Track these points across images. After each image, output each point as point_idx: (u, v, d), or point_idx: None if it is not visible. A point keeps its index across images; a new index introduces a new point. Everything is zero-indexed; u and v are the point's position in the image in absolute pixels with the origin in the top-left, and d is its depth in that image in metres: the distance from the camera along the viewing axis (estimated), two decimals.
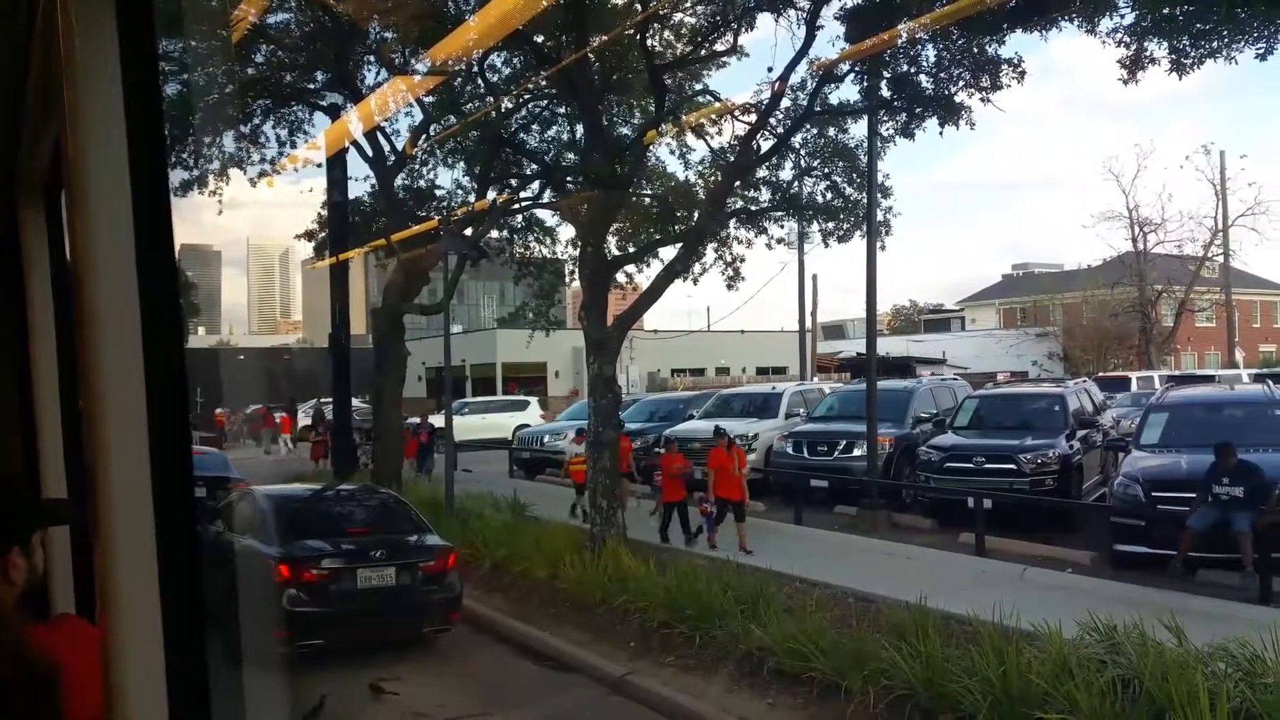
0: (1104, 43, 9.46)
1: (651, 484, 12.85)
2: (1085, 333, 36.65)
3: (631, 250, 15.17)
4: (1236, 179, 66.10)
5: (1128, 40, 9.38)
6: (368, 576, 7.30)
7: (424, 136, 16.15)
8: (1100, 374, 25.78)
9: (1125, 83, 9.49)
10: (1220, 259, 34.20)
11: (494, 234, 17.67)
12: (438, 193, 17.50)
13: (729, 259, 16.11)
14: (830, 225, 14.86)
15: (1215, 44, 8.95)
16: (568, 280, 20.32)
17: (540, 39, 12.24)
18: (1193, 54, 9.06)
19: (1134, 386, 21.93)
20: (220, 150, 15.52)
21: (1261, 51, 8.74)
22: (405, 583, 7.41)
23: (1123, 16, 9.34)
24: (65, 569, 2.10)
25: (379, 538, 7.78)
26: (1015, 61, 10.49)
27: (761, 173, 14.30)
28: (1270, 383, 11.99)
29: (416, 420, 19.52)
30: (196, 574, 1.06)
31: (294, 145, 16.26)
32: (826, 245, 15.28)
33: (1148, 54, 9.33)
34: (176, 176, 14.37)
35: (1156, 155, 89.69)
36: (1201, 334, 39.82)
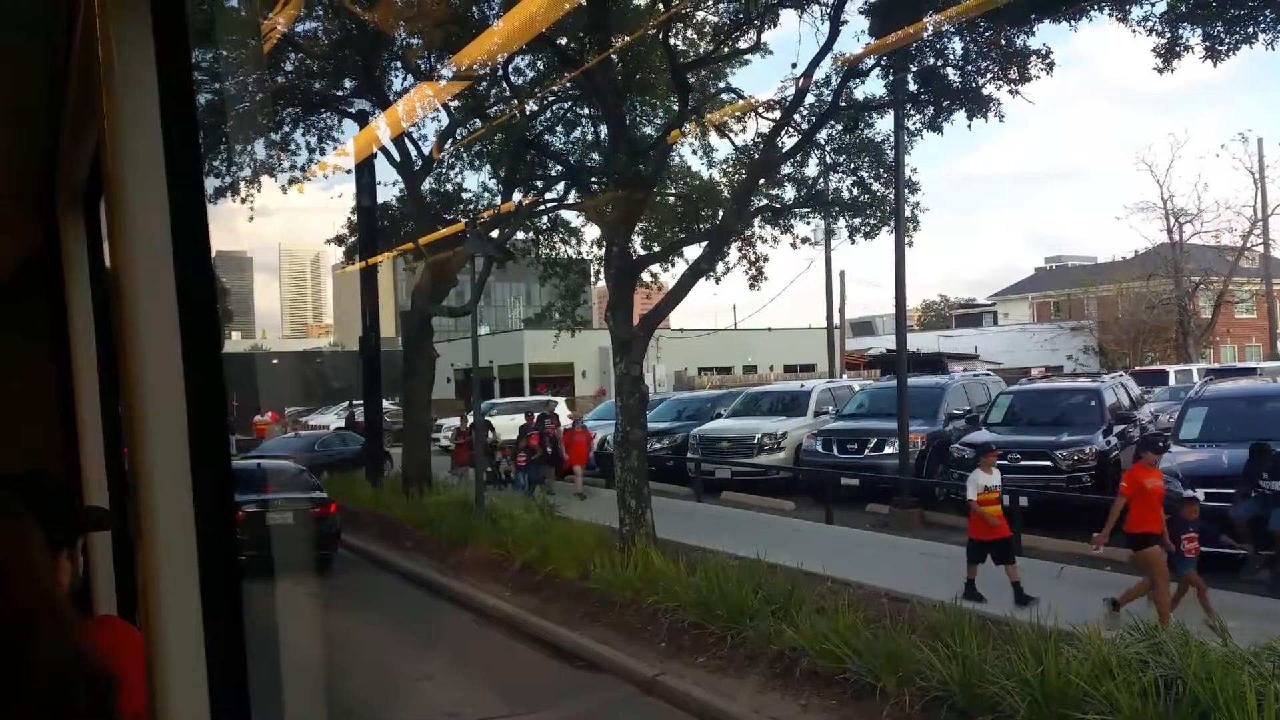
0: (1135, 32, 9.29)
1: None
2: (1121, 326, 35.91)
3: (656, 250, 15.16)
4: (1276, 167, 64.55)
5: (1160, 28, 9.19)
6: (273, 517, 10.63)
7: (450, 140, 16.29)
8: (1137, 368, 25.28)
9: (1160, 72, 9.29)
10: (1260, 249, 33.34)
11: (520, 235, 17.79)
12: (464, 196, 17.69)
13: (753, 258, 16.06)
14: (857, 221, 14.73)
15: (1251, 29, 8.73)
16: (593, 280, 20.38)
17: (563, 41, 12.28)
18: (1228, 40, 8.85)
19: (1172, 380, 21.49)
20: (252, 157, 15.81)
21: None
22: (300, 522, 10.74)
23: (1154, 3, 9.16)
24: (107, 571, 2.14)
25: (283, 493, 11.36)
26: (1044, 52, 10.33)
27: (786, 170, 14.21)
28: None
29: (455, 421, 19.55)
30: (237, 577, 1.07)
31: (323, 152, 16.53)
32: (853, 242, 15.14)
33: (1182, 42, 9.13)
34: (209, 184, 14.64)
35: (1191, 145, 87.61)
36: (1241, 326, 38.83)
